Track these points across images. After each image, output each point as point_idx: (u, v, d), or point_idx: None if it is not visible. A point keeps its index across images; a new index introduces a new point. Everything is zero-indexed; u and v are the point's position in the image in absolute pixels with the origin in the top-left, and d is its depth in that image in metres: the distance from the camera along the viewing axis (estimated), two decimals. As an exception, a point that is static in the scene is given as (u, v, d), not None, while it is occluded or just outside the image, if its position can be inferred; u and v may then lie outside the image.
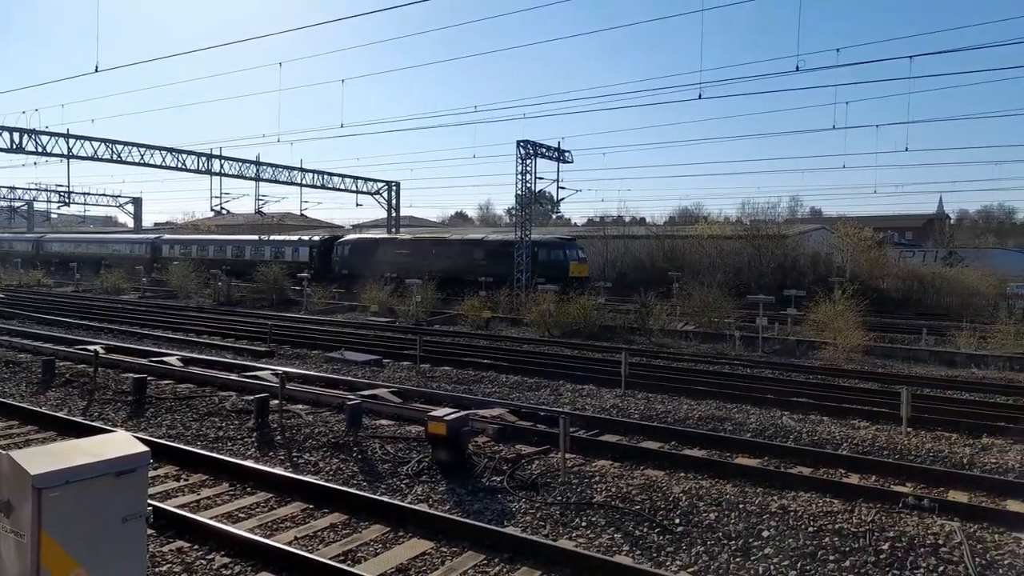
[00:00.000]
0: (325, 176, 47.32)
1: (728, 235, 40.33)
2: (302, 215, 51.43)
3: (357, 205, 50.85)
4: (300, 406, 11.04)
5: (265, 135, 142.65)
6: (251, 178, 44.78)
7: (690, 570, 5.89)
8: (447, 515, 6.74)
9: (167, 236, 54.69)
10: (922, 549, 6.01)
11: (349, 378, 13.73)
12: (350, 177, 48.75)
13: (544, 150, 32.62)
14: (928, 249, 49.29)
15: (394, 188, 51.58)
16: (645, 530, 6.61)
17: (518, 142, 31.79)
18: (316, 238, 43.88)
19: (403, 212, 55.24)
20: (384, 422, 10.37)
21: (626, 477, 7.91)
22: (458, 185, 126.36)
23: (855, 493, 7.59)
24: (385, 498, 7.20)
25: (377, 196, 51.45)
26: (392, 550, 6.09)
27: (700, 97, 22.78)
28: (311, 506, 7.03)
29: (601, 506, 7.11)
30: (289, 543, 6.08)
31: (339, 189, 48.87)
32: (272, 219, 54.01)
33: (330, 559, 5.74)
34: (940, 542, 6.12)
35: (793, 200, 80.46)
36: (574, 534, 6.56)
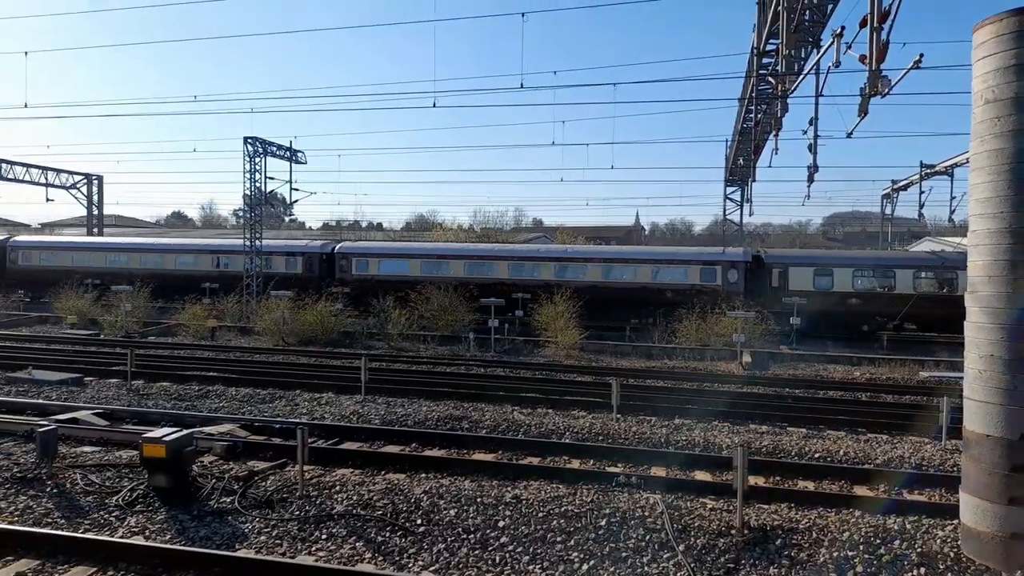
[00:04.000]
0: (4, 165, 39.75)
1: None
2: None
3: (48, 200, 43.34)
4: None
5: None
6: None
7: (432, 568, 6.00)
8: (167, 545, 6.08)
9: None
10: (632, 522, 6.81)
11: (40, 401, 11.80)
12: (37, 167, 41.65)
13: (275, 148, 31.00)
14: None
15: (95, 182, 45.28)
16: (387, 535, 6.59)
17: (245, 138, 29.85)
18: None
19: (108, 210, 48.82)
20: (88, 449, 9.05)
21: (367, 483, 7.82)
22: (176, 182, 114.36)
23: (577, 477, 8.37)
24: (90, 535, 6.27)
25: (74, 191, 44.70)
26: (100, 594, 5.33)
27: (435, 105, 23.44)
28: (-12, 557, 5.87)
29: (342, 516, 6.94)
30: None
31: (22, 181, 41.37)
32: None
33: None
34: (646, 513, 6.98)
35: (517, 210, 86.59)
36: (314, 548, 6.32)
